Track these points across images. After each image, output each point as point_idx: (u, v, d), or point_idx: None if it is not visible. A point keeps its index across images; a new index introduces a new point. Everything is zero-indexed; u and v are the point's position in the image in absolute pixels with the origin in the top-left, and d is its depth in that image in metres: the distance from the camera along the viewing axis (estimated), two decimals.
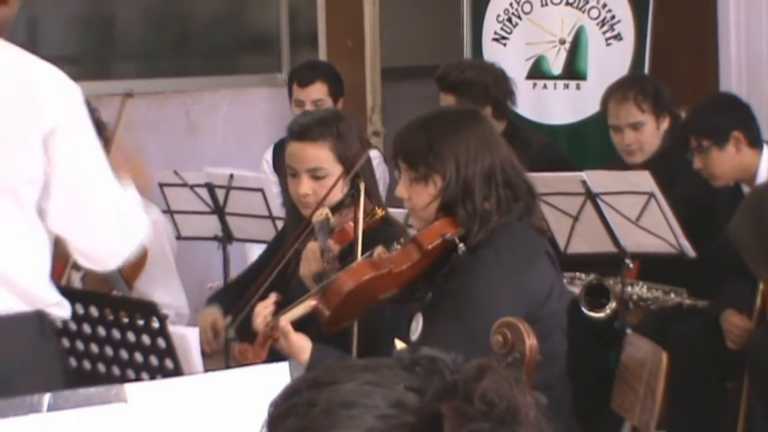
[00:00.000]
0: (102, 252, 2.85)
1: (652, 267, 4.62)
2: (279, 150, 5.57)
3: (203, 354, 2.82)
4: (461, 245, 2.98)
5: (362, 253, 3.19)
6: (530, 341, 2.41)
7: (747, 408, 4.32)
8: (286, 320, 3.01)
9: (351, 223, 3.34)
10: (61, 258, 3.76)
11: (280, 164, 5.51)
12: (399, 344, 3.02)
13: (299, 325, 3.10)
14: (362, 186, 3.32)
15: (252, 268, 4.04)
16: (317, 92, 5.50)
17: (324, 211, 3.42)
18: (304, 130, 3.50)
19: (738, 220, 3.44)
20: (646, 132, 4.83)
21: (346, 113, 3.77)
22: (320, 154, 3.47)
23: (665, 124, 4.86)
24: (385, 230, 3.26)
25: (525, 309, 2.87)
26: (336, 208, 3.45)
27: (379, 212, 3.33)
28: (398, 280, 3.05)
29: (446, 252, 3.01)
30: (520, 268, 2.96)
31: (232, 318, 3.68)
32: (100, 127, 3.89)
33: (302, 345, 2.99)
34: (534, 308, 2.89)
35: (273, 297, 3.15)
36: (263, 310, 3.11)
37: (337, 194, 3.46)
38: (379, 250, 3.10)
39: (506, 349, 2.42)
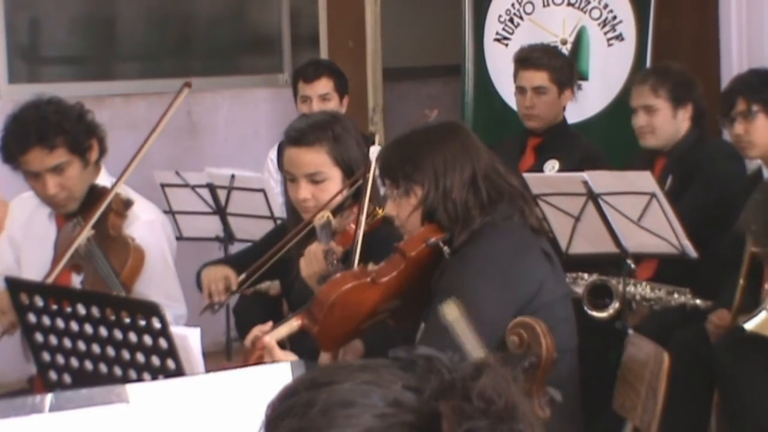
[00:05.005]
0: None
1: (668, 269, 4.60)
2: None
3: (204, 355, 2.81)
4: (446, 248, 3.00)
5: (363, 256, 3.19)
6: (546, 341, 2.41)
7: (717, 420, 4.35)
8: (271, 337, 3.00)
9: (353, 225, 3.34)
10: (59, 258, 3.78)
11: None
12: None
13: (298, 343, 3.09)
14: (365, 203, 3.32)
15: (251, 249, 4.02)
16: (323, 87, 5.50)
17: (325, 214, 3.42)
18: (299, 135, 3.51)
19: (751, 202, 3.46)
20: (659, 117, 4.86)
21: (343, 115, 3.76)
22: (317, 159, 3.48)
23: (686, 113, 4.86)
24: (387, 230, 3.26)
25: (514, 302, 2.88)
26: (337, 210, 3.45)
27: (380, 212, 3.33)
28: (387, 290, 3.04)
29: (435, 258, 3.02)
30: (504, 261, 2.97)
31: (245, 277, 3.67)
32: (93, 129, 3.89)
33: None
34: (525, 301, 2.90)
35: (270, 324, 3.13)
36: (258, 331, 3.08)
37: (338, 196, 3.46)
38: (369, 265, 3.11)
39: (522, 350, 2.42)
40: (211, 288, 3.76)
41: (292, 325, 3.05)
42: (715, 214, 4.60)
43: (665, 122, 4.86)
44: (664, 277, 4.61)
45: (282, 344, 3.02)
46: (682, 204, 4.58)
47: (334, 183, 3.47)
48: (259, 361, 2.96)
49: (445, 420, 1.20)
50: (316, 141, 3.47)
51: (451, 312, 2.36)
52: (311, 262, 3.36)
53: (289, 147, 3.54)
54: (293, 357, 2.97)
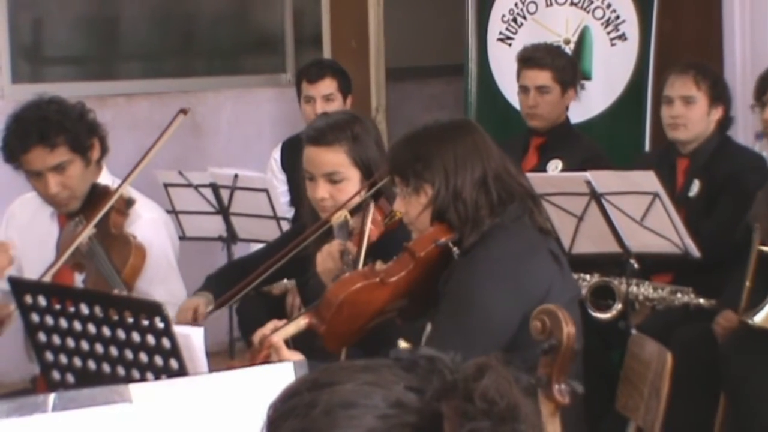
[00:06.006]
0: None
1: (686, 273, 4.59)
2: (287, 148, 5.58)
3: (207, 355, 2.81)
4: (455, 249, 2.99)
5: (375, 257, 3.19)
6: (568, 329, 2.42)
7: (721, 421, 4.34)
8: (278, 336, 3.00)
9: (371, 226, 3.35)
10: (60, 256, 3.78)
11: (288, 162, 5.53)
12: (402, 344, 3.02)
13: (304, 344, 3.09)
14: (372, 206, 3.33)
15: (262, 252, 4.04)
16: (327, 87, 5.51)
17: (343, 214, 3.43)
18: (319, 134, 3.51)
19: (760, 197, 3.47)
20: (696, 110, 4.82)
21: (363, 115, 3.77)
22: (336, 159, 3.48)
23: (717, 114, 4.84)
24: (405, 231, 3.26)
25: (522, 304, 2.87)
26: (355, 211, 3.46)
27: (398, 213, 3.33)
28: (395, 290, 3.04)
29: (443, 259, 3.02)
30: (513, 263, 2.96)
31: (212, 308, 3.76)
32: (94, 128, 3.90)
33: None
34: (533, 303, 2.88)
35: (284, 320, 3.13)
36: (270, 326, 3.09)
37: (356, 197, 3.47)
38: (377, 264, 3.11)
39: (544, 336, 2.43)
40: (179, 319, 3.82)
41: (299, 323, 3.05)
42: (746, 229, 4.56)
43: (700, 117, 4.83)
44: (684, 282, 4.58)
45: (285, 343, 3.02)
46: (715, 218, 4.60)
47: (352, 183, 3.47)
48: (267, 360, 2.96)
49: (447, 421, 1.20)
50: (335, 141, 3.47)
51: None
52: (327, 259, 3.37)
53: (308, 146, 3.54)
54: (300, 356, 2.97)
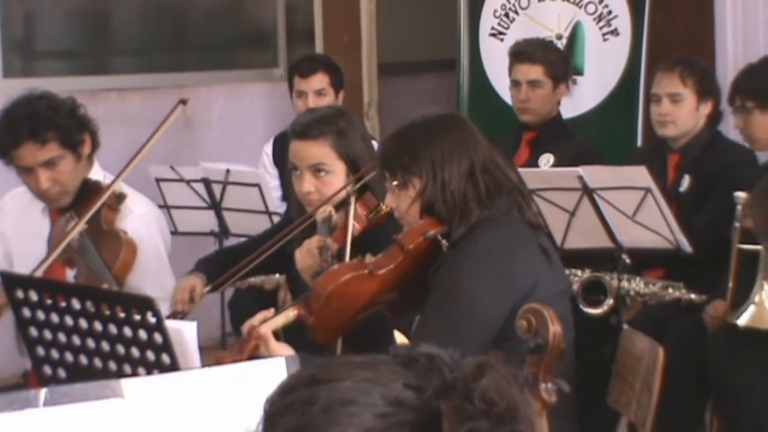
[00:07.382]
0: None
1: (678, 268, 4.59)
2: (279, 143, 5.58)
3: (200, 350, 2.81)
4: (444, 241, 3.00)
5: (362, 252, 3.19)
6: (554, 328, 2.43)
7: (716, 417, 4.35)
8: (267, 327, 3.01)
9: (353, 222, 3.35)
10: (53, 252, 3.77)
11: (280, 157, 5.53)
12: (399, 337, 3.03)
13: (294, 336, 3.09)
14: (353, 200, 3.33)
15: (250, 242, 4.04)
16: (319, 82, 5.50)
17: (328, 209, 3.43)
18: (304, 128, 3.53)
19: (754, 193, 3.48)
20: (684, 107, 4.82)
21: (349, 110, 3.78)
22: (321, 152, 3.50)
23: (706, 109, 4.84)
24: (391, 225, 3.27)
25: (510, 298, 2.88)
26: (340, 206, 3.46)
27: (384, 208, 3.33)
28: (384, 282, 3.05)
29: (433, 251, 3.03)
30: (500, 256, 2.97)
31: (210, 289, 3.76)
32: (85, 123, 3.89)
33: (283, 353, 2.93)
34: (521, 297, 2.89)
35: (272, 310, 3.14)
36: (260, 317, 3.09)
37: (341, 192, 3.47)
38: (367, 257, 3.12)
39: (530, 335, 2.44)
40: (176, 297, 3.83)
41: (288, 315, 3.06)
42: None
43: (688, 114, 4.83)
44: (676, 277, 4.58)
45: (276, 334, 3.02)
46: (707, 214, 4.60)
47: (338, 177, 3.49)
48: (254, 351, 2.97)
49: (446, 420, 1.20)
50: (320, 134, 3.49)
51: None
52: (306, 255, 3.37)
53: (294, 140, 3.57)
54: (288, 348, 2.98)
